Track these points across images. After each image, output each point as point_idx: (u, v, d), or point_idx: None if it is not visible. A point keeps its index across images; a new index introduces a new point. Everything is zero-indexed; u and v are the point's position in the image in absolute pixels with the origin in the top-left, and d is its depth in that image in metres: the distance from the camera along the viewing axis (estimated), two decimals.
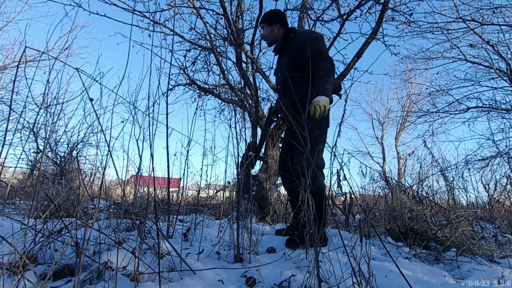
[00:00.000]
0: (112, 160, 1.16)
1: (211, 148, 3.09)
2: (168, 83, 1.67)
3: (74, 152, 3.84)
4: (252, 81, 3.85)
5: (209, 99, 5.12)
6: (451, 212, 2.04)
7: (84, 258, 1.04)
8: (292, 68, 1.86)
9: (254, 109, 3.54)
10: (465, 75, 7.25)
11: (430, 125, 7.96)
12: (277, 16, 2.05)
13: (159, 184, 3.74)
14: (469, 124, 7.01)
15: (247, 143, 2.76)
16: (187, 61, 4.49)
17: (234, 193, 2.91)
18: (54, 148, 3.67)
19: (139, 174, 1.56)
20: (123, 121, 1.67)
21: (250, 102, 3.84)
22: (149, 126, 1.33)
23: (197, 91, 4.92)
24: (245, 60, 4.17)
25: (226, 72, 4.09)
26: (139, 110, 1.61)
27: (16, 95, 5.71)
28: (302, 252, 1.37)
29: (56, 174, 3.38)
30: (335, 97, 1.91)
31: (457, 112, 7.43)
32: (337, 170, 1.21)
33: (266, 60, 8.46)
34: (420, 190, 3.44)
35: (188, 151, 3.02)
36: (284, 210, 3.04)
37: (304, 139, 1.18)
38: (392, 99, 21.09)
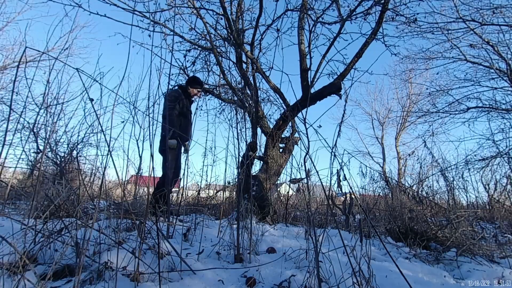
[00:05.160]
0: (112, 160, 1.16)
1: (211, 148, 3.09)
2: (168, 83, 1.67)
3: (74, 152, 3.83)
4: (252, 81, 3.85)
5: (209, 99, 5.12)
6: (451, 212, 2.04)
7: (84, 258, 1.04)
8: None
9: (254, 109, 3.54)
10: (465, 75, 7.24)
11: (430, 125, 7.94)
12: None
13: None
14: (469, 124, 7.00)
15: (247, 143, 2.76)
16: (187, 61, 4.49)
17: (234, 193, 2.91)
18: (54, 148, 3.66)
19: (139, 174, 1.56)
20: (123, 121, 1.68)
21: (250, 102, 3.84)
22: (149, 126, 1.33)
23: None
24: (245, 60, 4.17)
25: (226, 72, 4.09)
26: (139, 110, 1.61)
27: (16, 95, 5.71)
28: (302, 252, 1.37)
29: (56, 174, 3.38)
30: (335, 97, 1.92)
31: (457, 112, 7.42)
32: (337, 170, 1.20)
33: (266, 60, 8.44)
34: (420, 190, 3.44)
35: (188, 151, 3.03)
36: (284, 210, 3.04)
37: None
38: (392, 99, 21.07)
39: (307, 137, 1.21)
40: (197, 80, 3.13)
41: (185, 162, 2.00)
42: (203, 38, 4.23)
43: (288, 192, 3.58)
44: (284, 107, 3.61)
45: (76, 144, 3.79)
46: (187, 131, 2.96)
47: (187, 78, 4.43)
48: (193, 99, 3.15)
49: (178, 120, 2.87)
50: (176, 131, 2.69)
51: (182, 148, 3.02)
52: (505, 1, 5.58)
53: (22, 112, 4.73)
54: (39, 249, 1.12)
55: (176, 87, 3.15)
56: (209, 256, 1.41)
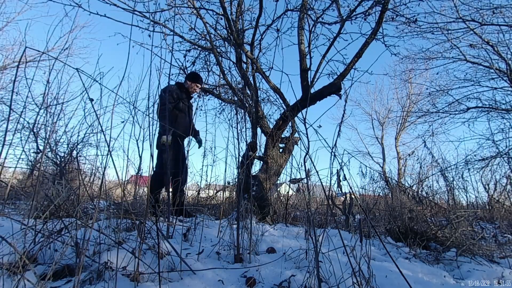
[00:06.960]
0: (112, 160, 1.16)
1: (211, 148, 3.09)
2: (168, 83, 1.67)
3: (74, 152, 3.83)
4: (252, 81, 3.85)
5: (209, 99, 5.12)
6: (451, 212, 2.04)
7: (84, 258, 1.04)
8: None
9: (254, 109, 3.54)
10: (465, 75, 7.24)
11: (430, 125, 7.94)
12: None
13: None
14: (469, 124, 7.00)
15: (247, 143, 2.76)
16: (187, 61, 4.50)
17: (234, 193, 2.91)
18: (54, 148, 3.66)
19: (139, 174, 1.56)
20: (123, 121, 1.68)
21: (250, 102, 3.84)
22: (149, 126, 1.33)
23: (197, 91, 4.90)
24: (245, 60, 4.17)
25: (226, 72, 4.09)
26: (139, 110, 1.61)
27: (16, 95, 5.71)
28: (302, 252, 1.37)
29: (56, 174, 3.38)
30: (335, 97, 1.93)
31: (457, 112, 7.42)
32: (337, 170, 1.21)
33: (266, 60, 8.47)
34: (420, 190, 3.44)
35: (188, 151, 3.03)
36: (284, 210, 3.04)
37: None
38: (392, 99, 21.03)
39: (307, 137, 1.21)
40: (195, 75, 3.14)
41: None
42: (203, 38, 4.23)
43: (288, 192, 3.58)
44: (284, 107, 3.62)
45: (76, 144, 3.79)
46: (185, 127, 2.94)
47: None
48: (192, 94, 3.15)
49: (173, 115, 2.84)
50: (174, 128, 2.68)
51: (192, 145, 3.08)
52: (505, 1, 5.58)
53: (22, 112, 4.73)
54: (39, 249, 1.12)
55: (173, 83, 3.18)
56: (209, 256, 1.41)
